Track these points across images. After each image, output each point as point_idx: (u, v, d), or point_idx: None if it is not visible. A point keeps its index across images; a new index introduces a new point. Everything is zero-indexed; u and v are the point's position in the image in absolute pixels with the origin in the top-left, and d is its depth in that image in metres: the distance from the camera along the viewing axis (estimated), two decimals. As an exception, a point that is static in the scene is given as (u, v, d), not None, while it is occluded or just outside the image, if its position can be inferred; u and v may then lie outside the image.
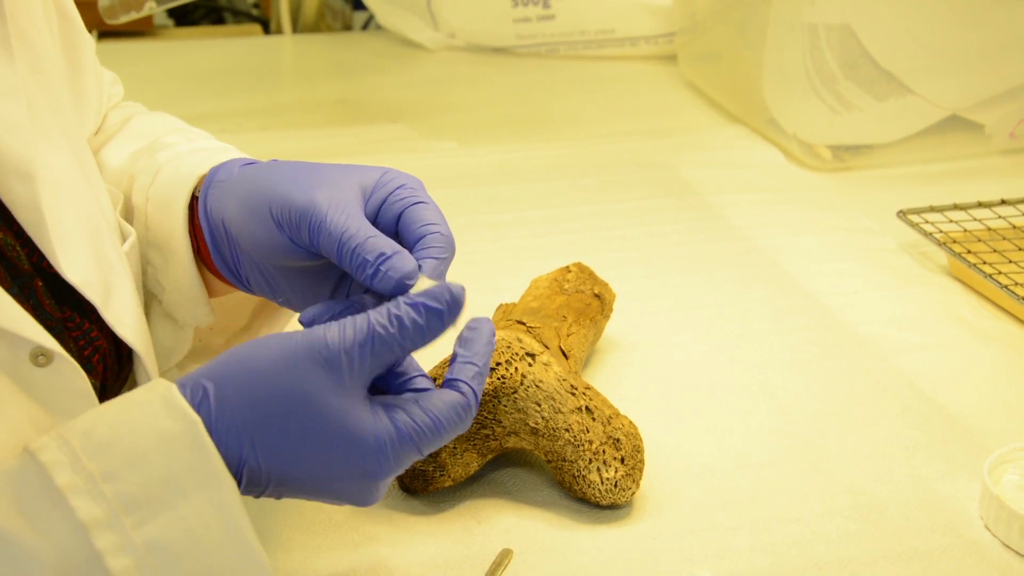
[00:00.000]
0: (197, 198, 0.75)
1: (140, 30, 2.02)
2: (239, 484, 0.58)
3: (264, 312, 0.86)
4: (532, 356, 0.80)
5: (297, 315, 0.85)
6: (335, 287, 0.73)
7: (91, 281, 0.66)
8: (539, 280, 0.96)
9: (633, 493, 0.78)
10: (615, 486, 0.77)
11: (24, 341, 0.61)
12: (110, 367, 0.71)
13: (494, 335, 0.65)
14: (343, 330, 0.59)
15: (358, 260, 0.64)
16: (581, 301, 0.93)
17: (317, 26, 2.13)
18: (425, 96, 1.74)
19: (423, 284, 0.63)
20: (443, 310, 0.61)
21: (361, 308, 0.65)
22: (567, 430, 0.77)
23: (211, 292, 0.80)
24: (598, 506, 0.79)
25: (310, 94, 1.78)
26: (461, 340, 0.65)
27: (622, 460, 0.77)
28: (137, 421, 0.56)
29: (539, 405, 0.78)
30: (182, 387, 0.58)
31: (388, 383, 0.64)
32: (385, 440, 0.59)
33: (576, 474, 0.77)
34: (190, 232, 0.76)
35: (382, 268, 0.63)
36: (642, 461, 0.78)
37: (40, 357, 0.62)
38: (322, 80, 1.86)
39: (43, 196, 0.65)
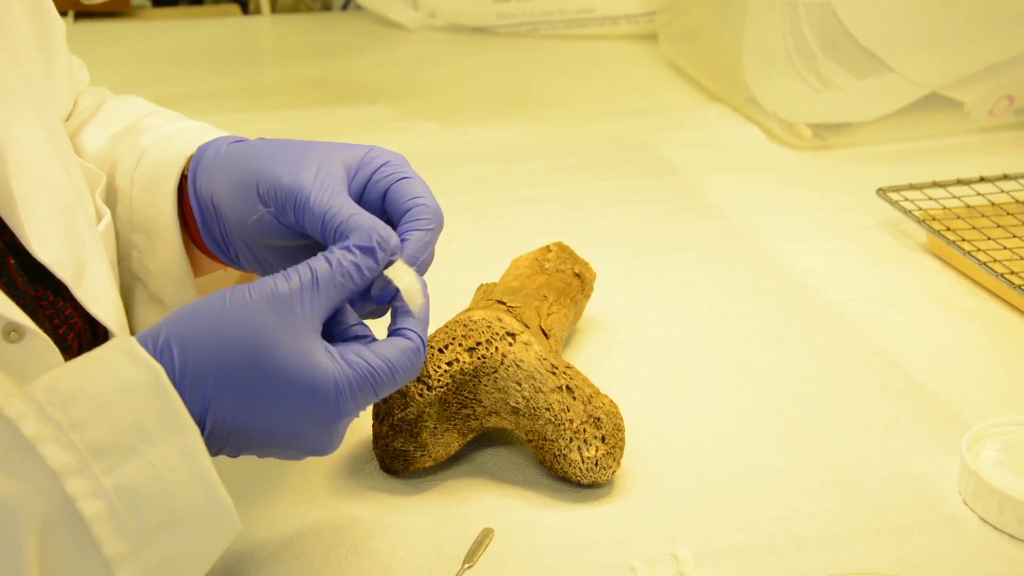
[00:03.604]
0: (186, 177, 0.76)
1: (117, 11, 2.01)
2: (203, 432, 0.59)
3: None
4: (512, 336, 0.80)
5: None
6: None
7: (62, 260, 0.66)
8: (519, 260, 0.96)
9: (614, 472, 0.78)
10: (596, 465, 0.77)
11: None
12: (86, 345, 0.71)
13: (424, 284, 0.66)
14: (289, 277, 0.61)
15: (341, 238, 0.65)
16: (561, 280, 0.93)
17: (296, 6, 2.12)
18: (405, 76, 1.73)
19: (400, 266, 0.65)
20: (374, 247, 0.63)
21: None
22: (548, 409, 0.77)
23: (199, 270, 0.80)
24: (579, 485, 0.79)
25: (289, 75, 1.77)
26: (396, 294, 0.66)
27: (603, 439, 0.77)
28: (100, 373, 0.57)
29: (520, 385, 0.78)
30: (143, 341, 0.59)
31: (332, 332, 0.65)
32: (342, 380, 0.60)
33: (557, 453, 0.77)
34: (179, 211, 0.76)
35: None
36: (623, 440, 0.78)
37: (12, 333, 0.62)
38: (301, 61, 1.85)
39: (13, 175, 0.65)
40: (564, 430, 0.77)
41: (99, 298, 0.69)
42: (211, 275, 0.83)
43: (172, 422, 0.57)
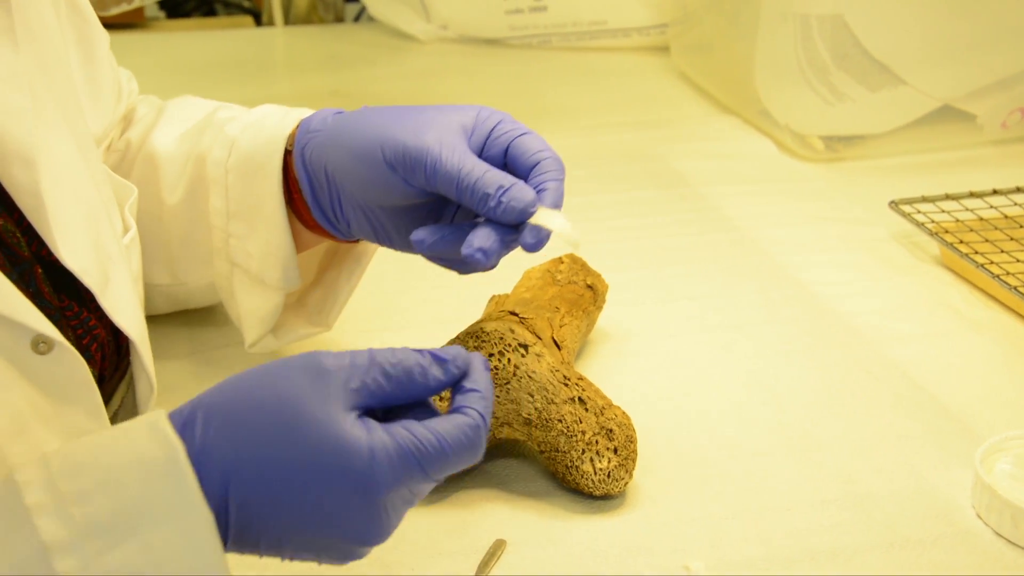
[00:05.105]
0: (289, 153, 0.79)
1: (131, 22, 2.01)
2: (227, 518, 0.54)
3: (334, 263, 0.89)
4: (525, 347, 0.80)
5: (370, 257, 0.89)
6: (438, 220, 0.76)
7: (89, 269, 0.67)
8: (532, 271, 0.96)
9: (626, 483, 0.78)
10: (608, 476, 0.77)
11: (25, 329, 0.61)
12: (108, 357, 0.71)
13: (488, 364, 0.62)
14: (341, 357, 0.56)
15: (479, 195, 0.68)
16: (574, 292, 0.93)
17: (309, 18, 2.12)
18: (417, 88, 1.73)
19: (544, 213, 0.69)
20: (448, 360, 0.59)
21: (466, 233, 0.70)
22: (560, 421, 0.77)
23: (299, 247, 0.83)
24: (591, 496, 0.79)
25: (302, 86, 1.77)
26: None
27: (615, 450, 0.77)
28: (118, 444, 0.54)
29: (532, 396, 0.78)
30: (175, 413, 0.56)
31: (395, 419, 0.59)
32: (378, 449, 0.54)
33: (569, 464, 0.77)
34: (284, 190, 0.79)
35: (503, 199, 0.68)
36: (635, 451, 0.78)
37: (41, 344, 0.62)
38: (314, 72, 1.85)
39: (44, 183, 0.65)
40: (576, 441, 0.77)
41: (122, 308, 0.70)
42: (306, 252, 0.86)
43: (181, 504, 0.52)
